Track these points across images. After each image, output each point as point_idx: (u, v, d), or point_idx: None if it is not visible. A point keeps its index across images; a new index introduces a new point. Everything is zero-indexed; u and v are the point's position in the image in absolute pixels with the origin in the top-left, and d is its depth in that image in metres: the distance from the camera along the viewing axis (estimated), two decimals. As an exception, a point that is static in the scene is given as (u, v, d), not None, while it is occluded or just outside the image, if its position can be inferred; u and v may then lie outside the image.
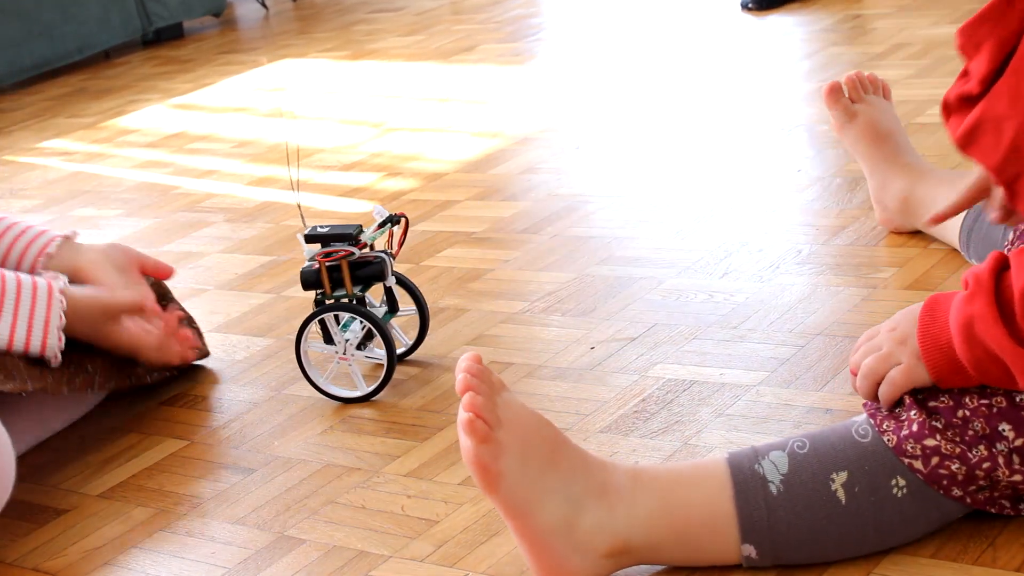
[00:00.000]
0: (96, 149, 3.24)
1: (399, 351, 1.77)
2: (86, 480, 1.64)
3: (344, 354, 1.69)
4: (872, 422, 1.19)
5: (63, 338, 1.65)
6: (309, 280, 1.70)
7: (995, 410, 1.15)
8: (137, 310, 1.73)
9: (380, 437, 1.61)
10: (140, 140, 3.27)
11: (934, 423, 1.16)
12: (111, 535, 1.51)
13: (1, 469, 1.46)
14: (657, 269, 1.91)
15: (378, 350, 1.70)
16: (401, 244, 1.74)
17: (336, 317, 1.69)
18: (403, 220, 1.75)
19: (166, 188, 2.80)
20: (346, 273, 1.68)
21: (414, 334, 1.78)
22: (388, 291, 1.74)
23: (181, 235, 2.48)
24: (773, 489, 1.18)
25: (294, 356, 1.72)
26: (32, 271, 1.75)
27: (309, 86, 3.50)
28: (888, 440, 1.17)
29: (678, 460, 1.43)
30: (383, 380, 1.68)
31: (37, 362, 1.63)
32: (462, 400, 1.18)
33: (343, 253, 1.66)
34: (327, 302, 1.69)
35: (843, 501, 1.17)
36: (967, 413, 1.16)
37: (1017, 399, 1.14)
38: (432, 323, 1.88)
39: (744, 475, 1.19)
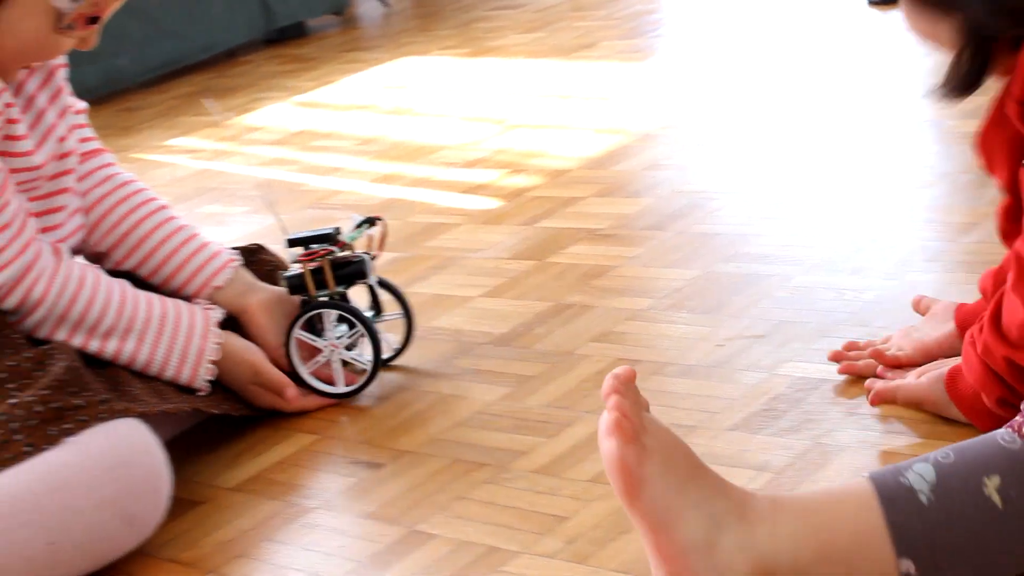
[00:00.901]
0: (222, 147, 3.28)
1: (386, 355, 1.81)
2: (220, 473, 1.66)
3: (330, 356, 1.74)
4: (1018, 432, 1.14)
5: (214, 371, 1.69)
6: (294, 285, 1.74)
7: None
8: (278, 391, 1.76)
9: (508, 433, 1.61)
10: (265, 137, 3.30)
11: None
12: (243, 527, 1.53)
13: (159, 493, 1.50)
14: (784, 266, 1.90)
15: (365, 354, 1.75)
16: (382, 247, 1.77)
17: (319, 319, 1.74)
18: (381, 222, 1.77)
19: (292, 185, 2.83)
20: (328, 273, 1.72)
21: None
22: (372, 293, 1.79)
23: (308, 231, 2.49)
24: (923, 499, 1.12)
25: (423, 353, 1.73)
26: (194, 297, 1.78)
27: (431, 83, 3.51)
28: None
29: (809, 459, 1.42)
30: (371, 373, 1.74)
31: (187, 388, 1.69)
32: (608, 402, 1.13)
33: (323, 252, 1.71)
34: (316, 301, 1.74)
35: (1000, 506, 1.11)
36: None
37: None
38: (557, 320, 1.88)
39: (890, 488, 1.13)
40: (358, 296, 1.79)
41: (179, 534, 1.54)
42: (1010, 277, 1.25)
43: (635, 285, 1.96)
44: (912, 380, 1.45)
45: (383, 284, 1.81)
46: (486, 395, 1.72)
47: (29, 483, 1.42)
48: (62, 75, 1.77)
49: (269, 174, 2.94)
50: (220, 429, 1.75)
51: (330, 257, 1.72)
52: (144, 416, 1.53)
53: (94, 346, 1.64)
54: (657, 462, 1.12)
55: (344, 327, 1.74)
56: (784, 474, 1.41)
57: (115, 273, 1.77)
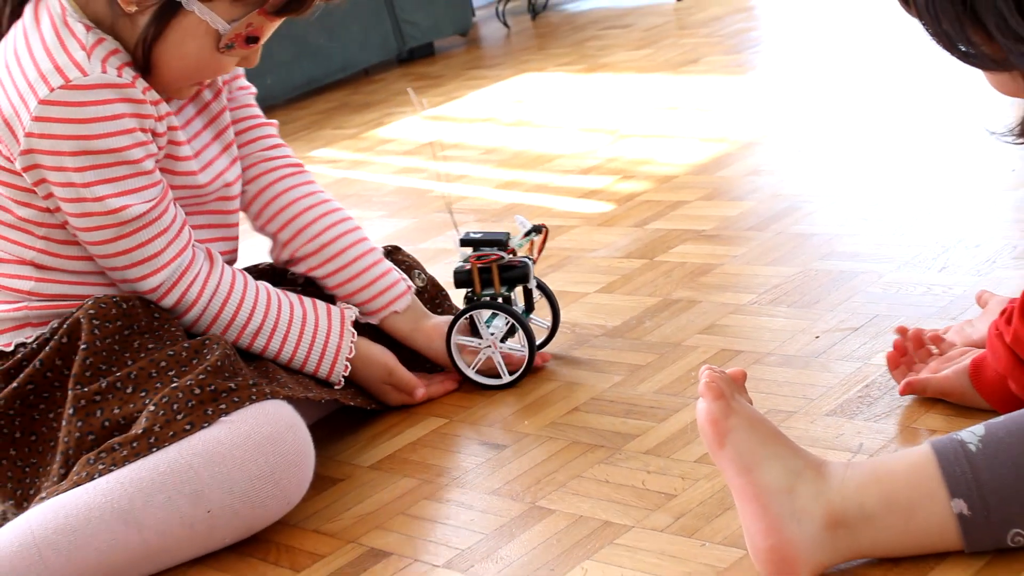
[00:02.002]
0: (359, 157, 3.31)
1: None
2: (358, 453, 1.68)
3: (489, 347, 1.74)
4: None
5: (348, 367, 1.72)
6: (461, 280, 1.75)
7: None
8: (408, 391, 1.77)
9: (620, 418, 1.61)
10: (397, 148, 3.33)
11: None
12: (381, 502, 1.55)
13: (304, 466, 1.52)
14: (877, 264, 1.88)
15: (517, 345, 1.75)
16: (540, 251, 1.78)
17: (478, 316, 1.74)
18: (544, 230, 1.80)
19: (422, 192, 2.84)
20: (495, 275, 1.73)
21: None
22: (527, 293, 1.79)
23: (437, 234, 2.52)
24: (972, 448, 1.15)
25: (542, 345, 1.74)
26: (372, 315, 1.80)
27: (548, 97, 3.52)
28: None
29: (902, 441, 1.40)
30: (524, 368, 1.75)
31: (326, 382, 1.72)
32: (701, 371, 1.23)
33: (495, 257, 1.72)
34: (477, 300, 1.75)
35: None
36: None
37: None
38: (665, 313, 1.88)
39: (943, 442, 1.17)
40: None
41: (322, 508, 1.56)
42: None
43: (738, 282, 1.95)
44: (940, 373, 1.45)
45: (538, 284, 1.82)
46: (601, 383, 1.72)
47: (189, 458, 1.45)
48: (244, 97, 1.81)
49: (401, 182, 2.96)
50: (357, 415, 1.77)
51: (499, 262, 1.73)
52: (289, 399, 1.55)
53: (244, 343, 1.67)
54: (742, 419, 1.20)
55: (499, 323, 1.74)
56: (878, 456, 1.39)
57: (261, 274, 1.80)
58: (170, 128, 1.62)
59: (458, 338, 1.75)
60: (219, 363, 1.53)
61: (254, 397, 1.51)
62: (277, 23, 1.60)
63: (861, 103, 2.75)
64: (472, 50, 4.54)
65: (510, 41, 4.55)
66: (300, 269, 1.80)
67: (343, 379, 1.72)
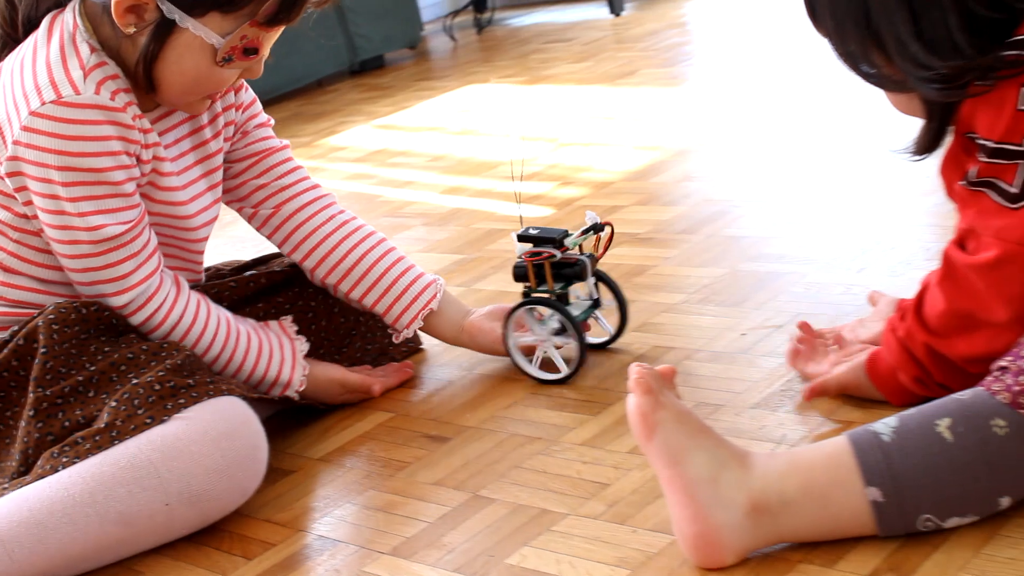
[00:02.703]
0: (312, 164, 3.29)
1: (602, 340, 1.75)
2: (308, 446, 1.67)
3: (544, 342, 1.69)
4: (981, 389, 1.18)
5: (298, 396, 1.71)
6: (519, 275, 1.70)
7: None
8: (364, 392, 1.77)
9: (557, 411, 1.61)
10: (349, 156, 3.32)
11: None
12: (329, 493, 1.54)
13: (259, 460, 1.52)
14: (800, 265, 1.89)
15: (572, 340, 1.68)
16: (606, 249, 1.72)
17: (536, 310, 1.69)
18: (608, 228, 1.71)
19: (371, 196, 2.84)
20: (548, 272, 1.67)
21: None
22: (595, 287, 1.72)
23: (386, 236, 2.50)
24: (885, 438, 1.16)
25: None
26: (410, 324, 1.79)
27: (492, 107, 3.52)
28: (1002, 398, 1.14)
29: (821, 433, 1.41)
30: (576, 366, 1.67)
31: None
32: (631, 369, 1.23)
33: (546, 255, 1.66)
34: (532, 295, 1.69)
35: (950, 439, 1.14)
36: None
37: None
38: (601, 313, 1.88)
39: (858, 433, 1.18)
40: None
41: (273, 498, 1.55)
42: (937, 273, 1.30)
43: (670, 282, 1.95)
44: (836, 370, 1.46)
45: (602, 279, 1.74)
46: (540, 377, 1.72)
47: (148, 453, 1.44)
48: (260, 131, 1.80)
49: (352, 187, 2.95)
50: (308, 410, 1.76)
51: (551, 260, 1.67)
52: (243, 397, 1.54)
53: None
54: (670, 413, 1.21)
55: (555, 319, 1.68)
56: (799, 446, 1.40)
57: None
58: (156, 158, 1.59)
59: (516, 337, 1.71)
60: (179, 362, 1.52)
61: (211, 393, 1.50)
62: (275, 33, 1.56)
63: (787, 114, 2.76)
64: (421, 62, 4.54)
65: (457, 54, 4.54)
66: (334, 291, 1.81)
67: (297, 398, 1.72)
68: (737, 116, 2.85)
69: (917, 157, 1.34)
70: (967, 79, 1.21)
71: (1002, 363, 1.19)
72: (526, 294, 1.70)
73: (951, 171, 1.29)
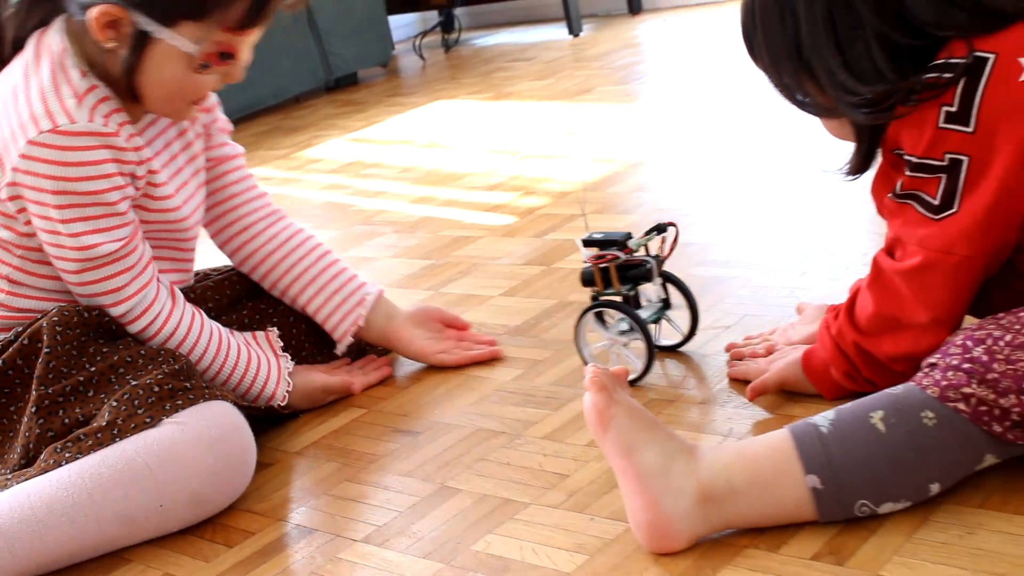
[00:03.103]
0: (289, 175, 3.29)
1: (675, 341, 1.67)
2: (286, 441, 1.67)
3: (612, 344, 1.62)
4: (912, 384, 1.19)
5: (287, 398, 1.70)
6: (586, 279, 1.63)
7: (1020, 373, 1.14)
8: (345, 391, 1.76)
9: (521, 407, 1.62)
10: (324, 167, 3.31)
11: (972, 378, 1.15)
12: (306, 484, 1.54)
13: (248, 463, 1.51)
14: (746, 270, 1.90)
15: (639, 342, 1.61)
16: (672, 250, 1.63)
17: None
18: (673, 228, 1.63)
19: (345, 206, 2.83)
20: (614, 274, 1.60)
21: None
22: (664, 288, 1.65)
23: (358, 244, 2.51)
24: (824, 429, 1.17)
25: (451, 341, 1.73)
26: (340, 327, 1.81)
27: (459, 122, 3.52)
28: (932, 392, 1.16)
29: (766, 426, 1.42)
30: (644, 368, 1.58)
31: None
32: (587, 369, 1.24)
33: (610, 257, 1.59)
34: (600, 298, 1.62)
35: (883, 430, 1.16)
36: (996, 375, 1.14)
37: None
38: (561, 314, 1.88)
39: (799, 426, 1.19)
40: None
41: (253, 490, 1.54)
42: (867, 277, 1.32)
43: (624, 286, 1.96)
44: (774, 367, 1.47)
45: (671, 280, 1.65)
46: (503, 376, 1.72)
47: (145, 457, 1.43)
48: (220, 136, 1.78)
49: (327, 197, 2.94)
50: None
51: (615, 262, 1.59)
52: (236, 404, 1.54)
53: None
54: (622, 409, 1.21)
55: (624, 322, 1.60)
56: (745, 439, 1.41)
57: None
58: (150, 171, 1.59)
59: (589, 347, 1.64)
60: (176, 368, 1.52)
61: (207, 396, 1.49)
62: (249, 37, 1.54)
63: (733, 130, 2.78)
64: (392, 79, 4.53)
65: (425, 72, 4.54)
66: (269, 290, 1.83)
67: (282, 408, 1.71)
68: (687, 131, 2.85)
69: (850, 177, 1.36)
70: (892, 102, 1.22)
71: (932, 360, 1.20)
72: (594, 298, 1.62)
73: (881, 187, 1.31)
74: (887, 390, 1.20)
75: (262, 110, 4.26)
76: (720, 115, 2.92)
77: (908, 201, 1.25)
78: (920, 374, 1.20)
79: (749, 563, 1.17)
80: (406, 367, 1.83)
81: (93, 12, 1.48)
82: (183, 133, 1.69)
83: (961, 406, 1.15)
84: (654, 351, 1.59)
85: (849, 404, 1.20)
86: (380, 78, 4.58)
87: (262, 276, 1.81)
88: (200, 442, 1.45)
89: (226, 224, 1.81)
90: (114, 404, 1.47)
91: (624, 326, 1.60)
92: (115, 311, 1.58)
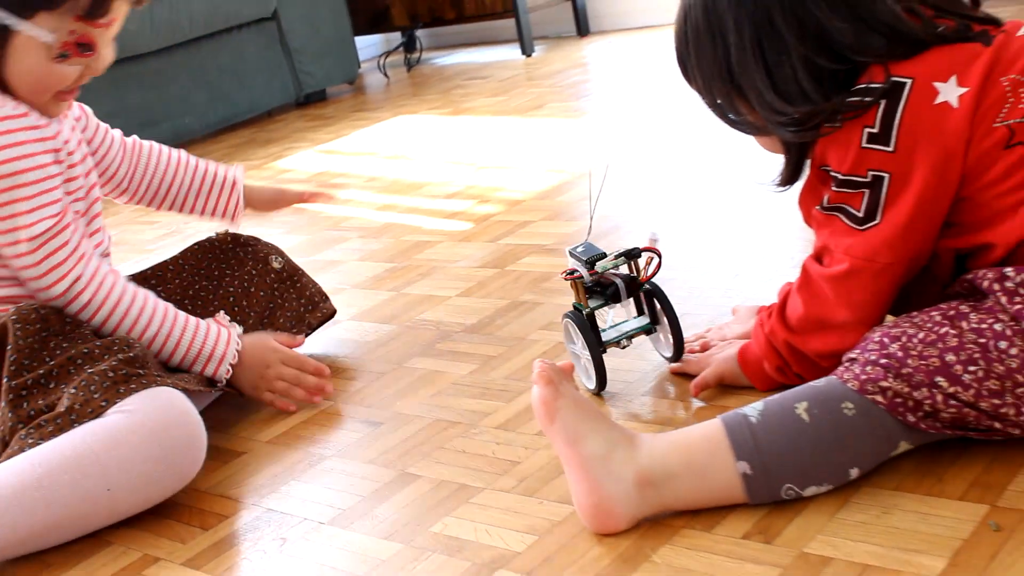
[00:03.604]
0: (262, 184, 3.26)
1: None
2: (257, 431, 1.66)
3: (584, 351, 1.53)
4: (834, 377, 1.20)
5: (231, 370, 1.66)
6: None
7: (931, 367, 1.15)
8: (293, 344, 1.75)
9: (476, 399, 1.61)
10: (295, 177, 3.29)
11: (888, 373, 1.16)
12: (275, 471, 1.53)
13: (197, 448, 1.48)
14: (684, 272, 1.90)
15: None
16: (654, 273, 1.53)
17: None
18: (649, 257, 1.54)
19: (315, 213, 2.81)
20: (579, 291, 1.54)
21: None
22: (649, 308, 1.57)
23: (327, 247, 2.50)
24: (753, 419, 1.18)
25: (411, 339, 1.72)
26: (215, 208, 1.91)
27: (420, 135, 3.51)
28: (852, 385, 1.17)
29: (703, 416, 1.42)
30: (596, 383, 1.53)
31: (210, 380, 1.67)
32: (535, 364, 1.25)
33: (577, 275, 1.54)
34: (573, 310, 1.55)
35: (807, 420, 1.17)
36: (910, 370, 1.15)
37: (947, 358, 1.15)
38: (513, 313, 1.88)
39: (731, 416, 1.20)
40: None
41: (226, 476, 1.54)
42: (797, 281, 1.33)
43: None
44: (714, 361, 1.48)
45: (659, 300, 1.55)
46: (460, 370, 1.72)
47: (92, 444, 1.41)
48: (101, 133, 1.81)
49: (298, 205, 2.92)
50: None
51: (580, 280, 1.52)
52: (186, 391, 1.52)
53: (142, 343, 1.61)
54: (568, 401, 1.22)
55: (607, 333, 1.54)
56: (684, 427, 1.41)
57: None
58: (65, 142, 1.60)
59: (570, 347, 1.59)
60: (131, 356, 1.50)
61: (158, 383, 1.48)
62: (107, 29, 1.54)
63: (674, 142, 2.79)
64: (358, 95, 4.51)
65: (389, 88, 4.53)
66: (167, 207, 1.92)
67: (225, 380, 1.67)
68: (630, 144, 2.86)
69: (780, 189, 1.37)
70: (817, 122, 1.24)
71: (851, 355, 1.21)
72: (574, 307, 1.56)
73: (808, 200, 1.32)
74: (810, 383, 1.21)
75: (237, 123, 4.23)
76: (661, 130, 2.93)
77: (835, 213, 1.26)
78: (841, 368, 1.21)
79: (685, 542, 1.17)
80: (368, 363, 1.82)
81: None
82: (80, 130, 1.73)
83: (878, 398, 1.16)
84: (600, 367, 1.52)
85: (776, 396, 1.21)
86: (347, 94, 4.57)
87: (159, 204, 1.91)
88: (145, 428, 1.43)
89: (125, 181, 1.87)
90: (72, 391, 1.45)
91: (610, 334, 1.55)
92: (56, 289, 1.55)
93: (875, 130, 1.20)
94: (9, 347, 1.50)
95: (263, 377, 1.69)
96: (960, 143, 1.18)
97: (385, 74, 4.80)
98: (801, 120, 1.24)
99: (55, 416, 1.44)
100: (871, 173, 1.22)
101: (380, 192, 2.91)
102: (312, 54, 4.34)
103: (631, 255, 1.55)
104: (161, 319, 1.63)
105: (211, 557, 1.35)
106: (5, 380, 1.48)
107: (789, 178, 1.35)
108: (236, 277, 1.86)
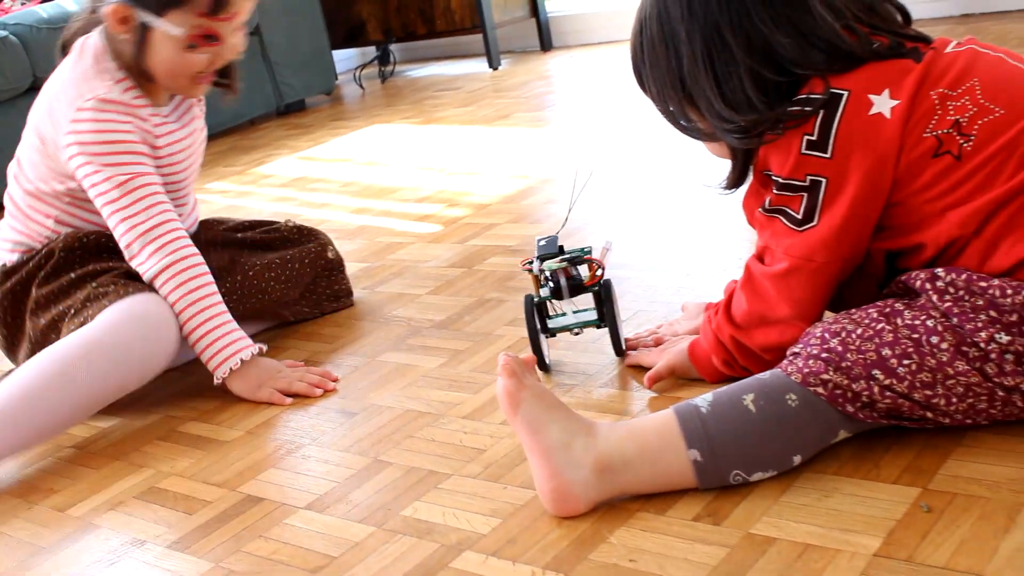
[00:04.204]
0: (244, 188, 3.25)
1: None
2: (239, 420, 1.65)
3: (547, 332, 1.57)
4: (778, 370, 1.20)
5: (228, 372, 1.68)
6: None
7: (868, 361, 1.16)
8: (277, 401, 1.71)
9: (445, 391, 1.61)
10: (275, 182, 3.28)
11: (829, 366, 1.17)
12: (257, 458, 1.52)
13: (169, 335, 1.65)
14: (639, 271, 1.90)
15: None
16: (594, 281, 1.53)
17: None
18: (592, 265, 1.54)
19: (293, 215, 2.79)
20: (534, 280, 1.56)
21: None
22: (597, 303, 1.56)
23: (304, 248, 2.48)
24: (703, 410, 1.18)
25: (384, 335, 1.71)
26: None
27: (393, 143, 3.50)
28: (795, 378, 1.17)
29: (656, 406, 1.42)
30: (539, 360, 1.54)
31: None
32: (499, 358, 1.24)
33: (526, 268, 1.58)
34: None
35: (753, 410, 1.17)
36: (849, 364, 1.16)
37: (883, 352, 1.15)
38: (480, 310, 1.88)
39: (683, 406, 1.20)
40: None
41: (210, 464, 1.53)
42: (740, 280, 1.34)
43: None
44: (665, 355, 1.47)
45: (604, 298, 1.55)
46: (430, 363, 1.72)
47: (75, 352, 1.60)
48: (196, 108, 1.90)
49: (277, 208, 2.91)
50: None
51: (531, 271, 1.55)
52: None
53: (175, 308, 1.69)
54: (530, 393, 1.21)
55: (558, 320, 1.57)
56: (639, 416, 1.41)
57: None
58: (168, 133, 1.76)
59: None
60: (127, 269, 1.71)
61: (142, 289, 1.65)
62: (231, 22, 1.66)
63: (630, 149, 2.79)
64: (335, 105, 4.49)
65: (365, 99, 4.51)
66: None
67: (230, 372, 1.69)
68: (590, 151, 2.86)
69: (726, 191, 1.38)
70: (761, 130, 1.24)
71: (795, 349, 1.22)
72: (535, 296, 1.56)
73: (752, 202, 1.33)
74: (757, 376, 1.21)
75: (221, 132, 4.21)
76: (618, 138, 2.94)
77: (776, 215, 1.27)
78: (785, 361, 1.21)
79: (640, 524, 1.18)
80: (344, 357, 1.81)
81: (107, 10, 1.66)
82: (191, 109, 1.85)
83: (820, 390, 1.17)
84: (536, 348, 1.54)
85: (725, 388, 1.21)
86: (325, 104, 4.55)
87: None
88: (121, 337, 1.60)
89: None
90: (82, 296, 1.66)
91: (560, 321, 1.58)
92: (124, 239, 1.68)
93: (814, 138, 1.21)
94: (51, 262, 1.71)
95: (262, 387, 1.68)
96: (892, 151, 1.19)
97: (360, 85, 4.79)
98: (747, 128, 1.25)
99: (71, 318, 1.65)
100: (809, 177, 1.23)
101: (355, 196, 2.90)
102: (292, 66, 4.32)
103: (573, 260, 1.55)
104: (195, 311, 1.66)
105: (195, 540, 1.34)
106: (35, 289, 1.71)
107: (735, 181, 1.36)
108: (296, 249, 1.96)
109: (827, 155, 1.21)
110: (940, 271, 1.18)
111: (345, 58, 5.29)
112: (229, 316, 1.69)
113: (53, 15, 3.65)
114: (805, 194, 1.23)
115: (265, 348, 1.71)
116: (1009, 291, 1.14)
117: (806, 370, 1.17)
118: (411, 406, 1.58)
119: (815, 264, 1.25)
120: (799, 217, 1.25)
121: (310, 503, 1.37)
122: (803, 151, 1.22)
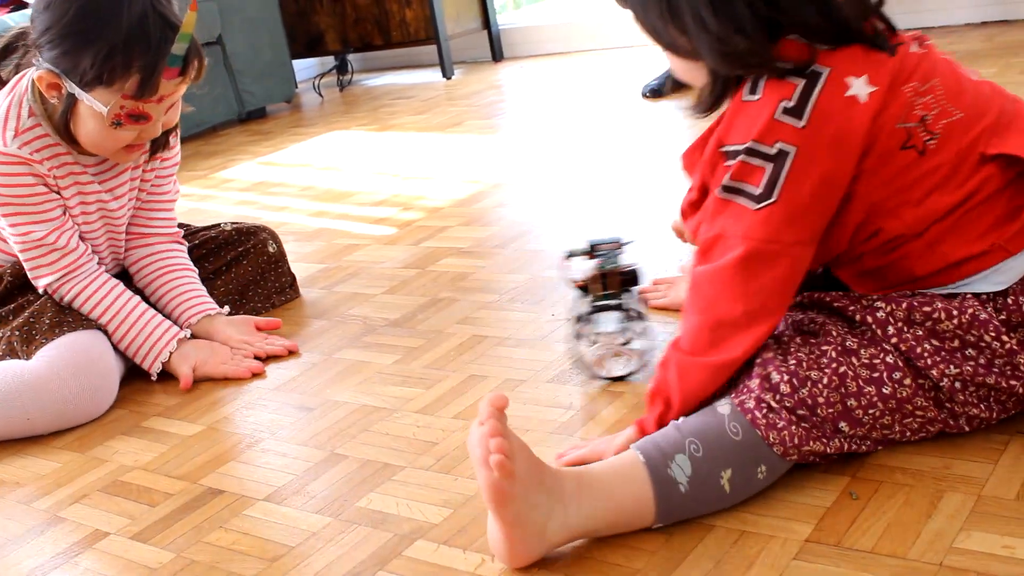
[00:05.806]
0: (207, 192, 3.22)
1: (624, 372, 1.49)
2: (200, 415, 1.63)
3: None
4: (747, 423, 1.13)
5: (160, 366, 1.75)
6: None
7: (836, 414, 1.13)
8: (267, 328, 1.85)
9: (399, 386, 1.60)
10: (236, 186, 3.24)
11: (803, 424, 1.13)
12: (216, 452, 1.51)
13: (111, 380, 1.66)
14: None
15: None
16: (614, 273, 1.48)
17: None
18: (600, 265, 1.49)
19: (254, 218, 2.77)
20: (597, 284, 1.49)
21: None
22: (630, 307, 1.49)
23: (264, 250, 2.46)
24: (682, 488, 1.11)
25: (341, 333, 1.70)
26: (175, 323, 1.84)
27: (350, 149, 3.48)
28: (776, 450, 1.12)
29: (600, 401, 1.43)
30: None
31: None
32: (492, 443, 1.05)
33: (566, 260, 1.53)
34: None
35: (728, 491, 1.13)
36: (820, 419, 1.13)
37: (849, 403, 1.13)
38: (433, 309, 1.87)
39: (660, 478, 1.11)
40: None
41: (172, 458, 1.51)
42: (684, 302, 1.22)
43: (486, 285, 1.96)
44: (590, 445, 1.29)
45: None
46: (384, 360, 1.71)
47: (17, 386, 1.59)
48: (166, 171, 1.88)
49: (238, 211, 2.89)
50: (201, 387, 1.72)
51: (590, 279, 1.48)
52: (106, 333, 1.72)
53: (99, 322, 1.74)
54: (520, 483, 1.07)
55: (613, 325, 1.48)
56: (584, 410, 1.42)
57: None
58: (77, 183, 1.71)
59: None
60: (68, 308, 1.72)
61: (84, 327, 1.67)
62: (160, 104, 1.61)
63: (578, 156, 2.79)
64: (295, 113, 4.46)
65: (323, 107, 4.48)
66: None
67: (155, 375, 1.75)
68: (539, 157, 2.87)
69: (698, 115, 1.23)
70: (753, 61, 1.14)
71: (764, 396, 1.14)
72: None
73: (691, 213, 1.23)
74: (731, 435, 1.13)
75: (185, 138, 4.15)
76: (567, 145, 2.94)
77: (732, 195, 1.15)
78: (760, 415, 1.13)
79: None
80: (302, 352, 1.80)
81: (36, 74, 1.61)
82: (121, 174, 1.78)
83: (794, 457, 1.13)
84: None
85: (703, 454, 1.12)
86: (285, 112, 4.51)
87: (135, 272, 1.88)
88: (62, 374, 1.59)
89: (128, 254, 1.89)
90: (14, 333, 1.67)
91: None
92: (41, 282, 1.72)
93: (791, 104, 1.12)
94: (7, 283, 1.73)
95: (219, 361, 1.74)
96: (861, 135, 1.12)
97: (319, 94, 4.75)
98: (740, 53, 1.13)
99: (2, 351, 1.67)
100: (778, 145, 1.12)
101: (313, 200, 2.88)
102: (253, 75, 4.28)
103: (592, 253, 1.52)
104: (111, 316, 1.73)
105: (157, 531, 1.33)
106: None
107: (709, 106, 1.21)
108: (237, 253, 1.96)
109: (801, 123, 1.11)
110: (878, 302, 1.15)
111: (305, 67, 5.26)
112: (144, 307, 1.75)
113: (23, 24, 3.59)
114: (770, 164, 1.13)
115: (189, 335, 1.77)
116: (955, 312, 1.13)
117: (788, 443, 1.12)
118: (366, 401, 1.57)
119: (776, 246, 1.13)
120: (758, 192, 1.13)
121: (269, 495, 1.36)
122: (776, 116, 1.12)
